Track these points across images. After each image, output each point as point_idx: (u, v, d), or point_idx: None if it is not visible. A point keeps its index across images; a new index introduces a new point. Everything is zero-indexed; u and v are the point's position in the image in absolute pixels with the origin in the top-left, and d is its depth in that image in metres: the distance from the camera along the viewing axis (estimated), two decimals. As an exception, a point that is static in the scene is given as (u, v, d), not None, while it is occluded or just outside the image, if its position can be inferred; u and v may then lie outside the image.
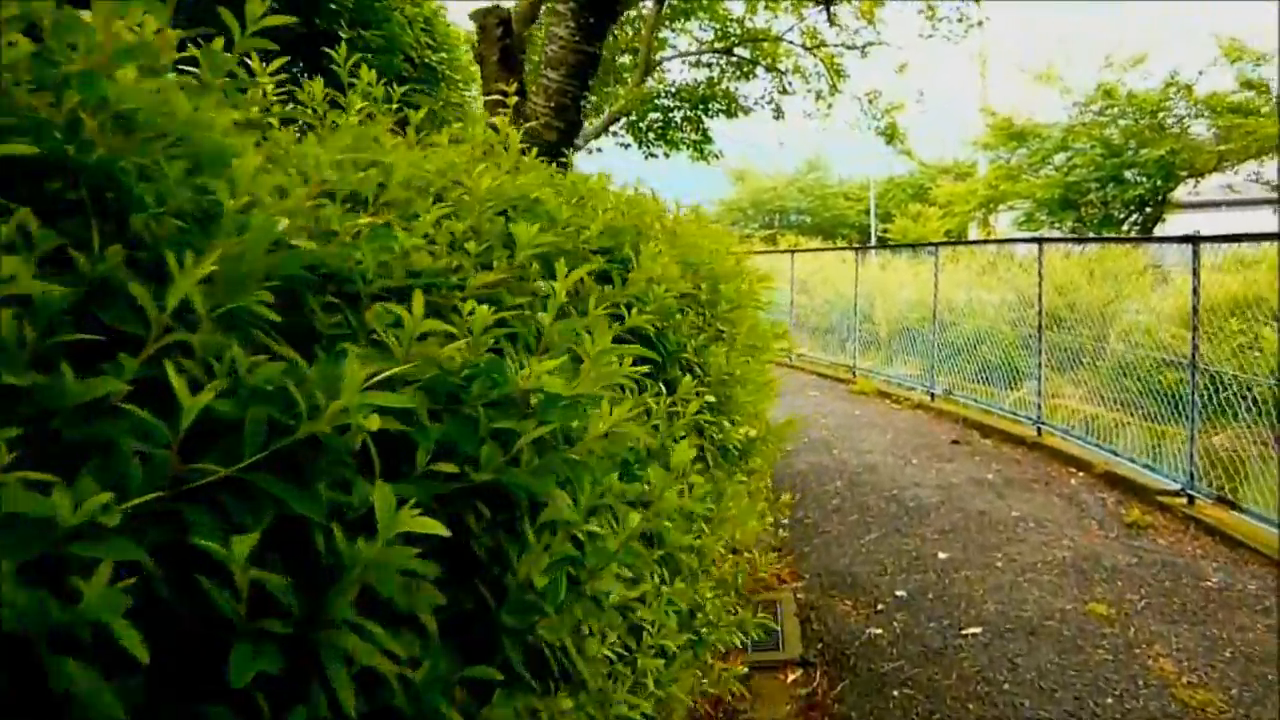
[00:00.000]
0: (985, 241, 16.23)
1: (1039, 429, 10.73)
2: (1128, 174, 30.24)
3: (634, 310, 2.61)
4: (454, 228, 2.16)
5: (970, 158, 44.01)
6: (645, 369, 2.84)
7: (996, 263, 14.11)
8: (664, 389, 2.88)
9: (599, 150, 17.55)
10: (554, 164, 4.60)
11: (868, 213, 48.12)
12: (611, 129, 16.19)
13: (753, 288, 5.60)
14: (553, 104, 6.83)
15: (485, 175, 2.38)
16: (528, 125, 6.90)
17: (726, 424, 3.60)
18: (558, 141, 6.84)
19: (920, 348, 14.25)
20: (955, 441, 10.83)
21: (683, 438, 2.64)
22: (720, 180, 53.71)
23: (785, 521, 7.89)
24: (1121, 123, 30.45)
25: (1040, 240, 11.86)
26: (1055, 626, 5.70)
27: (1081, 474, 9.32)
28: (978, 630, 5.66)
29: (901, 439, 11.02)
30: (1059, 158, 32.65)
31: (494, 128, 3.63)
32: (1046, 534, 7.48)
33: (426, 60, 9.95)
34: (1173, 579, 6.50)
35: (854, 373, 15.65)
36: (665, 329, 3.12)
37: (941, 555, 6.99)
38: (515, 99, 5.55)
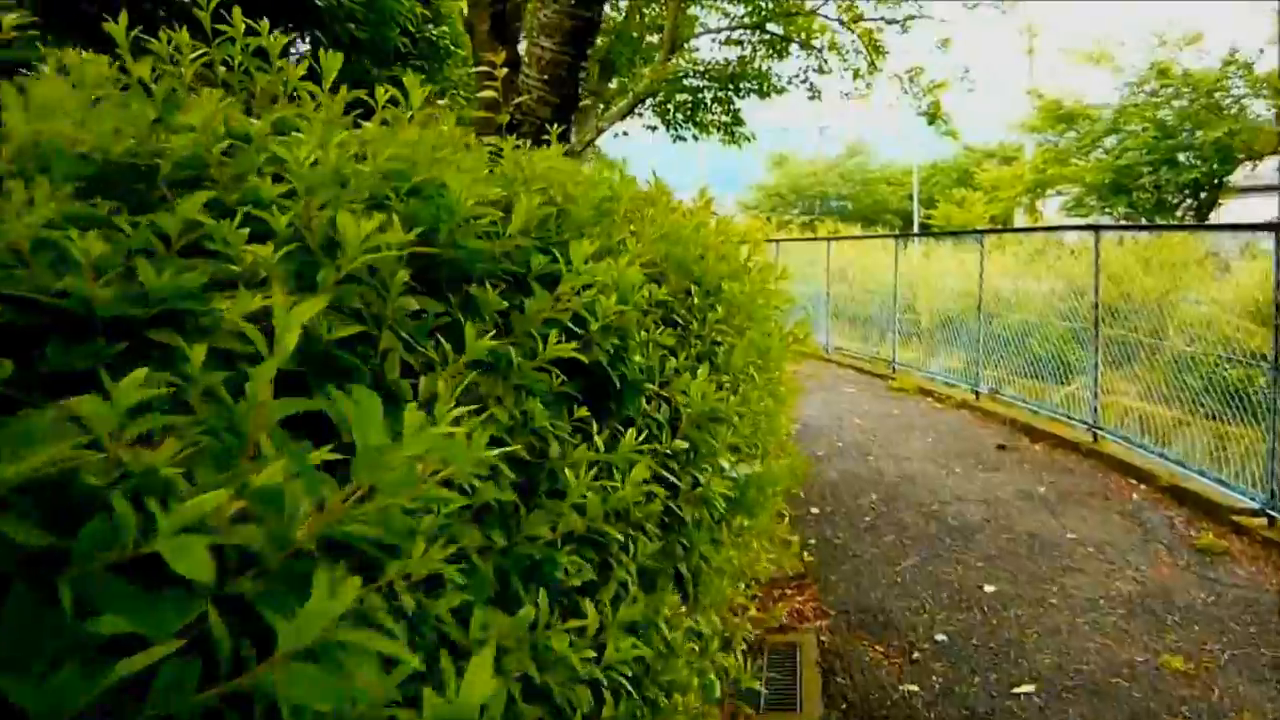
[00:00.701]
0: (1035, 229, 15.22)
1: (1094, 434, 9.77)
2: (1182, 157, 29.06)
3: (555, 334, 1.80)
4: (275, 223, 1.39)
5: (1016, 141, 42.73)
6: (583, 414, 2.06)
7: (1045, 250, 13.11)
8: (614, 433, 2.11)
9: (624, 134, 16.77)
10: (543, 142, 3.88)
11: (910, 198, 47.00)
12: (637, 110, 15.37)
13: (766, 287, 4.76)
14: (546, 76, 5.99)
15: (307, 143, 1.56)
16: (519, 100, 6.09)
17: (708, 469, 2.77)
18: (554, 117, 6.01)
19: (964, 340, 13.30)
20: (1002, 446, 9.90)
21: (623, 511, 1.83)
22: (759, 166, 52.78)
23: (812, 541, 7.04)
24: (1176, 103, 29.24)
25: (1096, 228, 10.85)
26: (1123, 686, 4.80)
27: (1144, 487, 8.38)
28: (1031, 689, 4.77)
29: (943, 443, 10.10)
30: (1109, 140, 31.40)
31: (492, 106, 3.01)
32: (1107, 562, 6.57)
33: (427, 35, 9.16)
34: (1259, 623, 5.57)
35: (893, 368, 14.72)
36: (622, 352, 2.31)
37: (988, 588, 6.10)
38: (504, 71, 4.78)
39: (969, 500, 7.96)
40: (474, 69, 9.01)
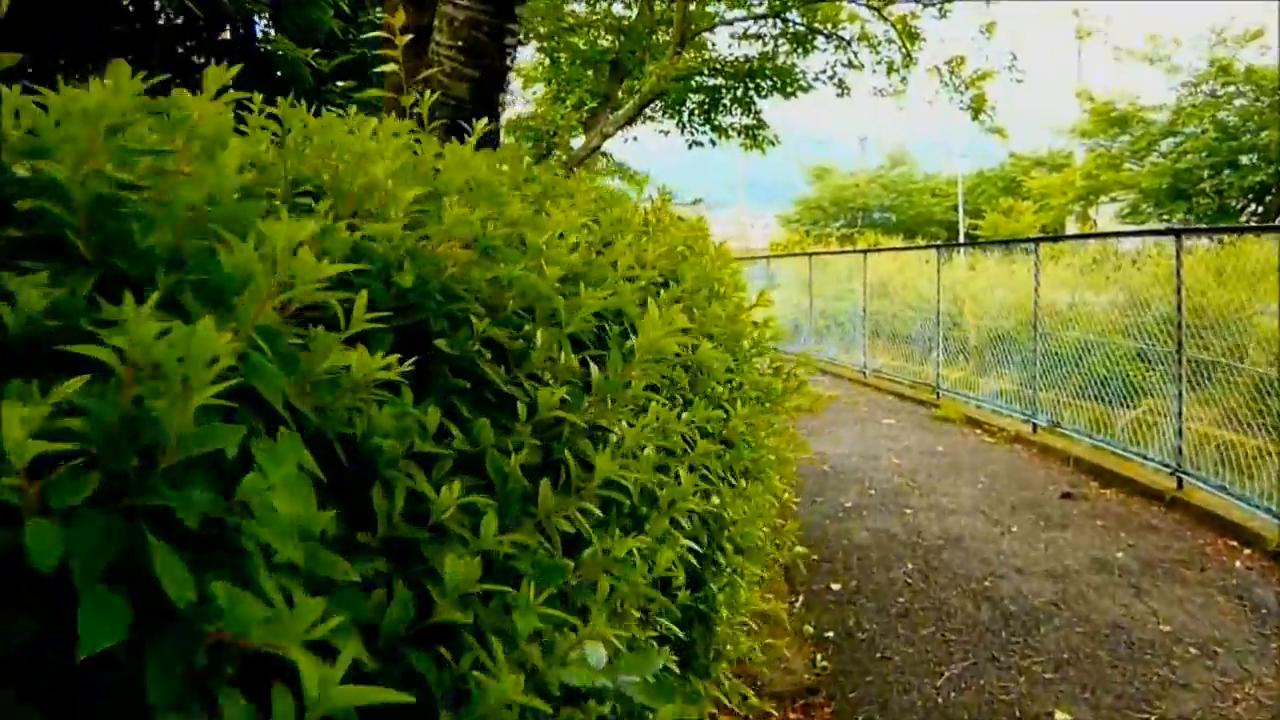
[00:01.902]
0: (1098, 235, 13.46)
1: (1179, 479, 8.06)
2: (1245, 159, 27.25)
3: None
4: None
5: (1065, 147, 40.79)
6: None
7: (1103, 259, 11.43)
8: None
9: (635, 139, 15.28)
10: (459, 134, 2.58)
11: (956, 209, 45.11)
12: (648, 114, 13.90)
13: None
14: (460, 42, 4.48)
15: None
16: (428, 74, 4.57)
17: None
18: (472, 99, 4.51)
19: (1017, 360, 11.61)
20: (1067, 495, 8.21)
21: None
22: (801, 180, 51.23)
23: (829, 635, 5.44)
24: (1237, 103, 27.38)
25: (1178, 232, 9.12)
26: None
27: (1248, 551, 6.67)
28: None
29: (996, 489, 8.43)
30: (1166, 143, 29.52)
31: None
32: (1219, 672, 4.90)
33: (371, 17, 7.73)
34: None
35: (937, 393, 13.02)
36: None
37: (1061, 718, 4.47)
38: (407, 38, 3.28)
39: (1031, 573, 6.30)
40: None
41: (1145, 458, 8.72)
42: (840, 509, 7.92)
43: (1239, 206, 27.55)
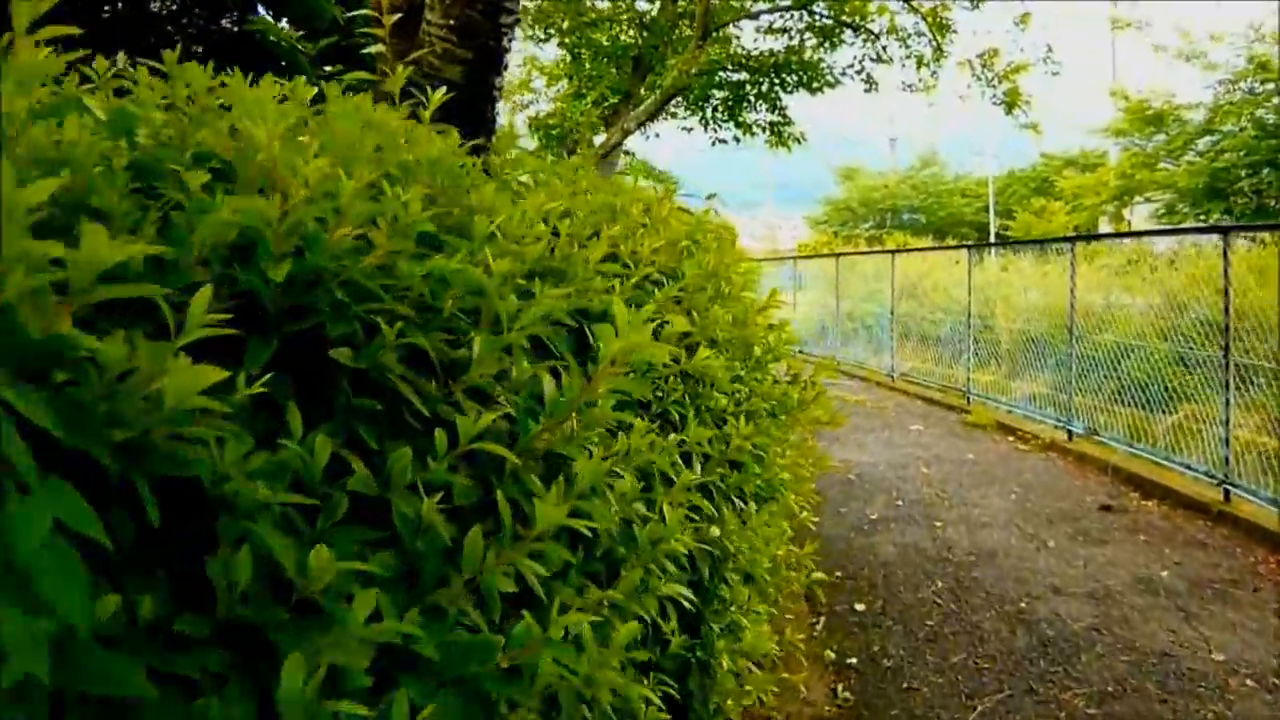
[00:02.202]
0: (1148, 233, 12.92)
1: (1226, 491, 7.59)
2: (1284, 157, 26.43)
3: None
4: None
5: (1098, 146, 40.07)
6: None
7: (1139, 260, 10.95)
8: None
9: (656, 135, 14.89)
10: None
11: (986, 210, 44.44)
12: (670, 109, 13.53)
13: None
14: (452, 21, 4.13)
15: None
16: (417, 56, 4.23)
17: None
18: (466, 81, 4.16)
19: (1051, 364, 11.14)
20: (1106, 507, 7.77)
21: None
22: (830, 181, 50.70)
23: (852, 661, 5.05)
24: (1276, 100, 26.66)
25: (1225, 230, 8.67)
26: None
27: (1304, 570, 6.24)
28: None
29: (1031, 500, 8.00)
30: (1203, 142, 28.85)
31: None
32: (1277, 703, 4.48)
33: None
34: None
35: (968, 398, 12.57)
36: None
37: (1107, 760, 4.06)
38: (395, 17, 2.98)
39: (1070, 593, 5.87)
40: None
41: (1189, 468, 8.26)
42: (865, 521, 7.51)
43: (1278, 206, 26.86)
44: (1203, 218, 27.87)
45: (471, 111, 4.20)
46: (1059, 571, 6.26)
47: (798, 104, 14.28)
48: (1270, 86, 26.54)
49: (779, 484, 3.33)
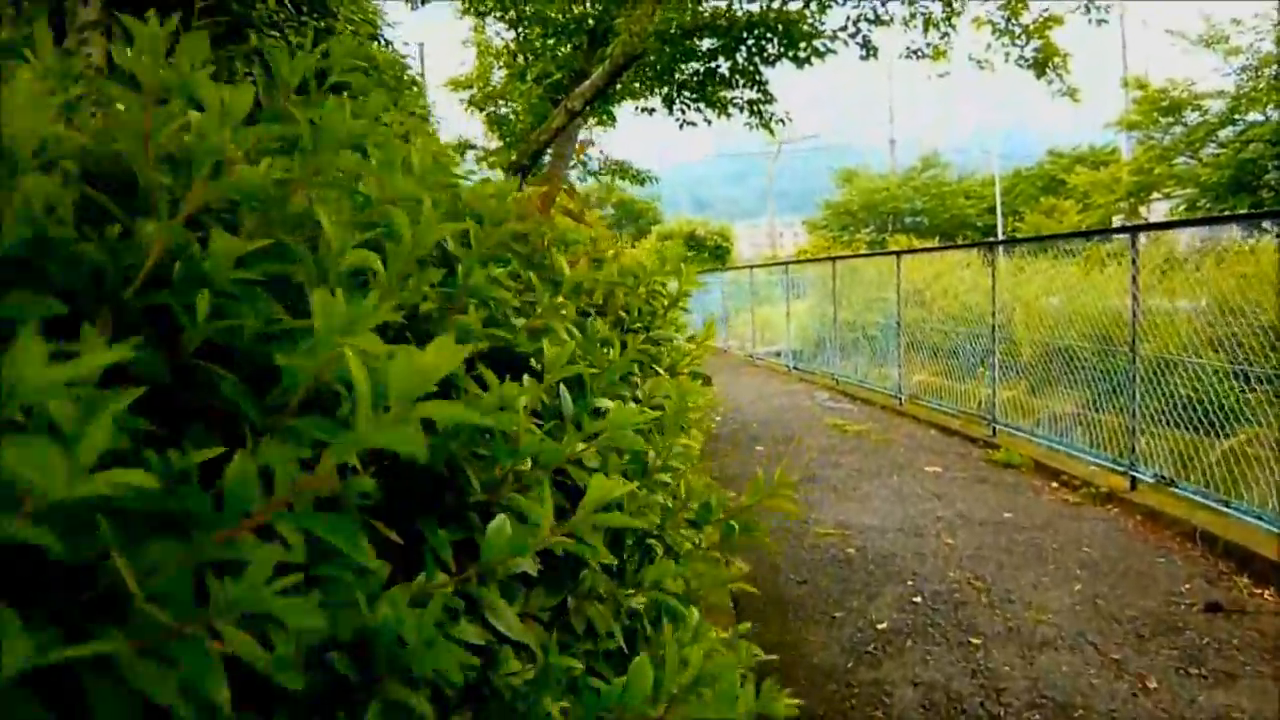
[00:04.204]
0: (1216, 220, 10.45)
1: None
2: (1316, 147, 24.08)
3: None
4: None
5: (1107, 144, 37.60)
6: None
7: (1173, 259, 8.56)
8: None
9: (609, 119, 12.43)
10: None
11: (992, 210, 42.02)
12: (624, 87, 11.13)
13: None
14: None
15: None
16: None
17: None
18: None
19: (1102, 386, 8.69)
20: (1214, 605, 5.28)
21: None
22: (831, 188, 48.39)
23: None
24: (1306, 86, 24.31)
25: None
26: None
27: None
28: None
29: (1103, 593, 5.52)
30: (1225, 133, 26.39)
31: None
32: None
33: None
34: None
35: (993, 428, 10.08)
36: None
37: None
38: None
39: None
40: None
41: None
42: (870, 635, 5.05)
43: (1315, 198, 24.49)
44: (1227, 213, 25.41)
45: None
46: (1181, 750, 3.80)
47: (787, 83, 11.84)
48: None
49: None
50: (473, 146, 16.52)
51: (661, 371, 3.08)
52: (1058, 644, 4.82)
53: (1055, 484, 8.10)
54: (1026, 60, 11.38)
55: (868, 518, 7.19)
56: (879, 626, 5.15)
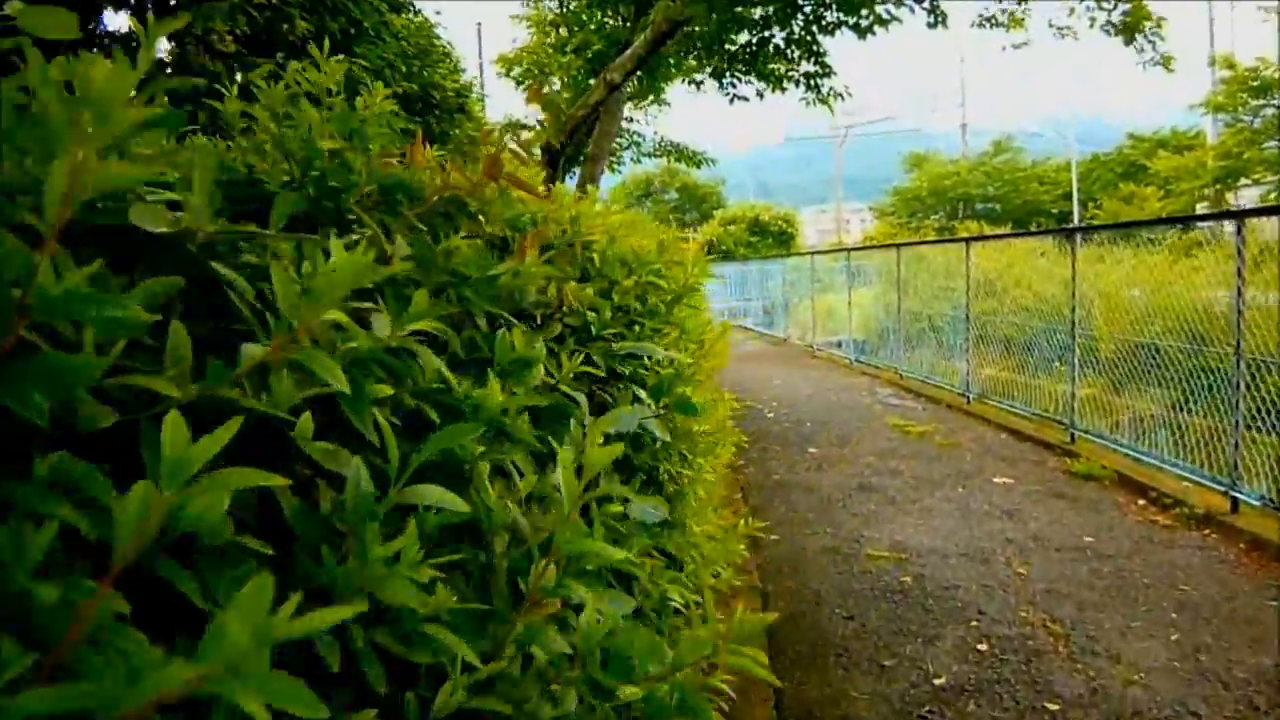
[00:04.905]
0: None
1: None
2: None
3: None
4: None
5: (1193, 125, 35.72)
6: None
7: (1269, 248, 7.49)
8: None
9: (657, 95, 11.55)
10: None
11: (1067, 197, 40.32)
12: (671, 59, 10.29)
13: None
14: None
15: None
16: None
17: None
18: None
19: (1200, 389, 7.70)
20: (1347, 668, 4.38)
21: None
22: (895, 167, 47.07)
23: None
24: None
25: None
26: None
27: None
28: None
29: (1206, 644, 4.62)
30: (1322, 114, 24.80)
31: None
32: None
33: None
34: None
35: (1072, 434, 9.11)
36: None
37: None
38: None
39: None
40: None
41: None
42: (925, 694, 4.22)
43: None
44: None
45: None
46: None
47: (845, 52, 10.90)
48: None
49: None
50: (525, 127, 15.76)
51: (643, 396, 2.31)
52: (1153, 714, 3.95)
53: (1142, 501, 7.15)
54: (1114, 26, 10.20)
55: (928, 538, 6.34)
56: (936, 681, 4.32)
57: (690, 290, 3.05)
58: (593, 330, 2.25)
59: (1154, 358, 8.37)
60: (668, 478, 2.57)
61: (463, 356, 1.50)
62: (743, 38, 10.73)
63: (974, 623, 4.95)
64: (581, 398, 1.88)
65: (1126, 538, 6.29)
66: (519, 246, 1.96)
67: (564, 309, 2.13)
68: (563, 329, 2.11)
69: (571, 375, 1.78)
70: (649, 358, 2.32)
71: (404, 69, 7.52)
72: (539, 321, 2.04)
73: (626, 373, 2.29)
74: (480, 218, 2.06)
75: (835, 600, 5.33)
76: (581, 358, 1.79)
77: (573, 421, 1.65)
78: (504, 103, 38.02)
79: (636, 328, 2.67)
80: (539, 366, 1.57)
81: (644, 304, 2.74)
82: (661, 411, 2.36)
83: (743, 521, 4.13)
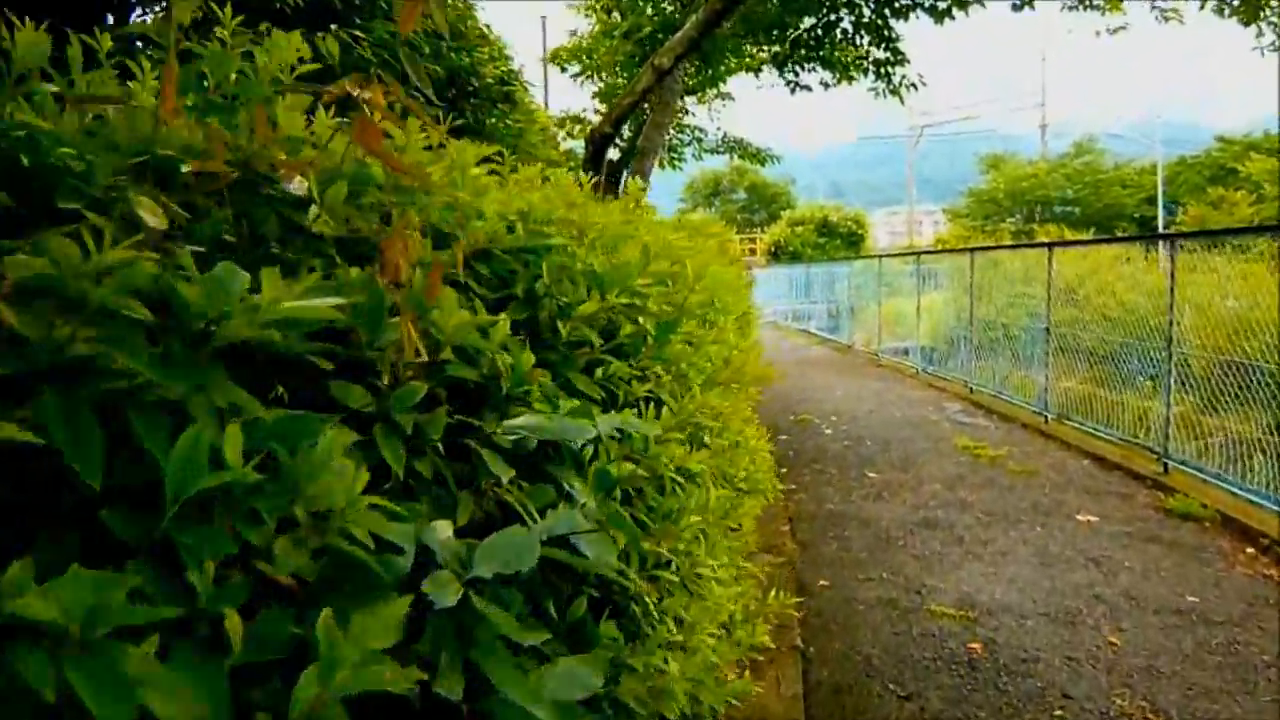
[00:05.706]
0: None
1: None
2: None
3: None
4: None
5: (1288, 128, 33.80)
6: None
7: None
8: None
9: (717, 87, 10.63)
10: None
11: (1150, 201, 38.49)
12: (726, 43, 9.42)
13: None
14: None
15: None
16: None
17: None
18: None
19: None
20: None
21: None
22: (971, 168, 45.56)
23: None
24: None
25: None
26: None
27: None
28: None
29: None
30: None
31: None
32: None
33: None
34: None
35: (1164, 463, 8.08)
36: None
37: None
38: None
39: None
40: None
41: None
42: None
43: None
44: None
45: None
46: None
47: (919, 39, 9.83)
48: None
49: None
50: (580, 120, 15.14)
51: (577, 490, 1.50)
52: None
53: (1251, 550, 6.15)
54: (1230, 5, 9.00)
55: (1000, 590, 5.43)
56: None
57: (686, 316, 2.23)
58: (503, 388, 1.45)
59: (1261, 379, 7.32)
60: (629, 601, 1.74)
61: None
62: (807, 22, 9.79)
63: (1058, 711, 4.05)
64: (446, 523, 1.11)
65: (1238, 598, 5.31)
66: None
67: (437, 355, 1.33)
68: (433, 389, 1.32)
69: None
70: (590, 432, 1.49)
71: (427, 49, 6.83)
72: (388, 381, 1.25)
73: (549, 453, 1.48)
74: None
75: (890, 670, 4.47)
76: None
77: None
78: (567, 99, 37.35)
79: (599, 370, 1.87)
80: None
81: (612, 337, 1.94)
82: (615, 510, 1.53)
83: (773, 594, 3.31)
